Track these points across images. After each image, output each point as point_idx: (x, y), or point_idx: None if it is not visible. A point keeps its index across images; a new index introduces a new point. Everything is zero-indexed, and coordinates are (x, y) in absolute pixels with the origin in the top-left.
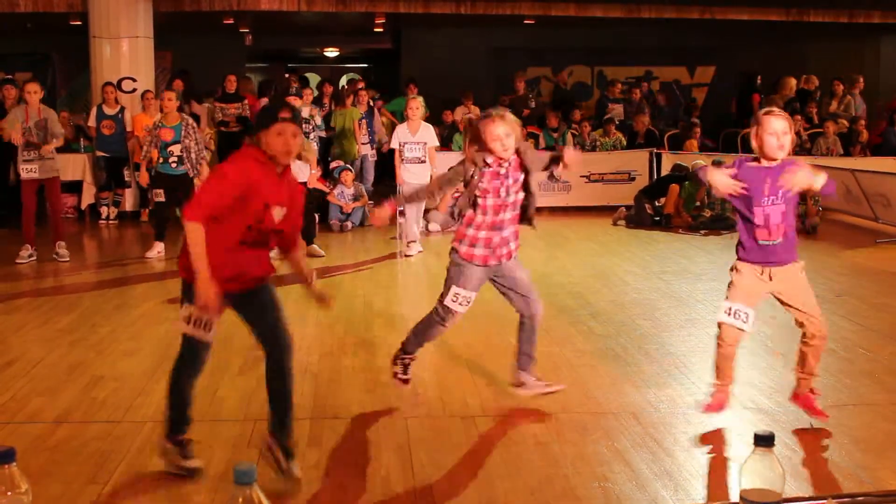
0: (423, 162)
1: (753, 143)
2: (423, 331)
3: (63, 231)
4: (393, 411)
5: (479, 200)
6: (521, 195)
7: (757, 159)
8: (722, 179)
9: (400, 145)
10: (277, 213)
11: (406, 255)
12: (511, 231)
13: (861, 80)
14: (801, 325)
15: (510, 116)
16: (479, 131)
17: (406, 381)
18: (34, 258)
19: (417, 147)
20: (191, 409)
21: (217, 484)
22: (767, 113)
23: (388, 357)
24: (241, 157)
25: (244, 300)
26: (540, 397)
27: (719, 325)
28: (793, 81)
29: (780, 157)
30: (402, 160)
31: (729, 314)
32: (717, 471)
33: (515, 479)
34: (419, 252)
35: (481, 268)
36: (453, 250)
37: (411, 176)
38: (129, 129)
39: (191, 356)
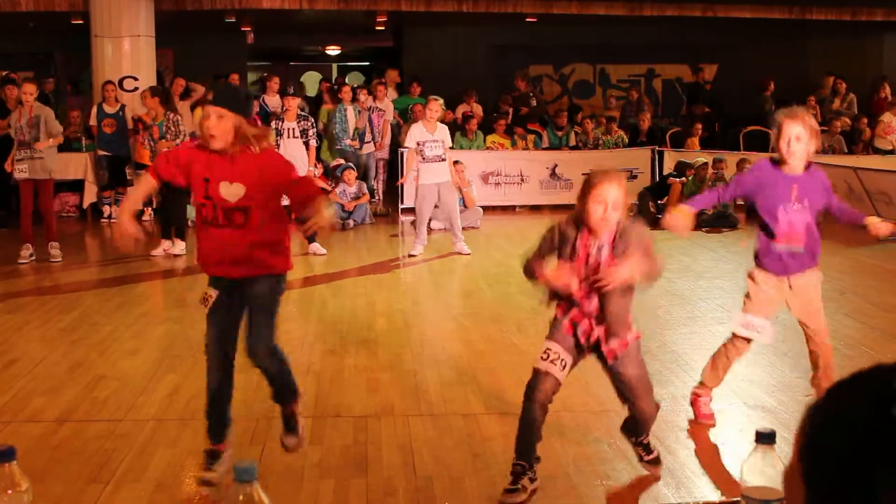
0: (444, 160)
1: (776, 146)
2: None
3: (55, 231)
4: (395, 410)
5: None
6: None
7: (778, 162)
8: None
9: (419, 144)
10: (226, 188)
11: (411, 255)
12: (616, 320)
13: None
14: (807, 339)
15: (624, 184)
16: (589, 184)
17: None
18: (35, 258)
19: (437, 145)
20: (224, 415)
21: (219, 481)
22: (787, 116)
23: (390, 355)
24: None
25: (237, 289)
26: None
27: (733, 334)
28: (829, 80)
29: (793, 163)
30: (423, 159)
31: (746, 327)
32: (719, 468)
33: None
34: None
35: (579, 344)
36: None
37: (432, 175)
38: (130, 126)
39: (205, 337)
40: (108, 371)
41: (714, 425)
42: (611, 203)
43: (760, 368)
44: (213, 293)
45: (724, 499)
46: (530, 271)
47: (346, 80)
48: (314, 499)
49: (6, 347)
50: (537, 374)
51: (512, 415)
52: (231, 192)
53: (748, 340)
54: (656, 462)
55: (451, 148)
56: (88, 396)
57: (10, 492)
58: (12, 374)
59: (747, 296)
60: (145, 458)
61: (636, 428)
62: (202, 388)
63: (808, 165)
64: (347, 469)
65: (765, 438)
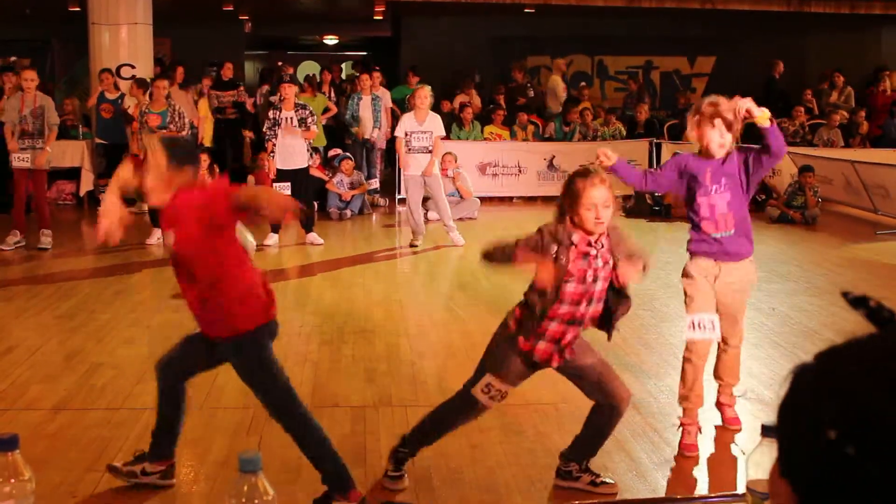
0: (431, 151)
1: (693, 134)
2: (437, 421)
3: (48, 219)
4: (392, 400)
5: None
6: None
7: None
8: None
9: (406, 134)
10: (169, 238)
11: (412, 245)
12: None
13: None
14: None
15: (609, 182)
16: (575, 189)
17: (397, 480)
18: (21, 244)
19: (424, 136)
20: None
21: (216, 472)
22: (711, 104)
23: (388, 345)
24: None
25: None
26: (541, 389)
27: (688, 341)
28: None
29: (720, 155)
30: (409, 150)
31: (694, 328)
32: (717, 461)
33: (516, 469)
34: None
35: (534, 364)
36: (504, 326)
37: (417, 166)
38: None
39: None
40: (106, 359)
41: (696, 455)
42: (601, 204)
43: (759, 362)
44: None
45: (728, 492)
46: (507, 255)
47: (342, 69)
48: (312, 488)
49: (3, 335)
50: (476, 408)
51: (509, 406)
52: (169, 239)
53: (705, 345)
54: (606, 483)
55: (449, 138)
56: (86, 384)
57: (13, 480)
58: (9, 362)
59: (686, 296)
60: (143, 446)
61: (596, 439)
62: (200, 378)
63: (728, 154)
64: (345, 459)
65: (771, 431)
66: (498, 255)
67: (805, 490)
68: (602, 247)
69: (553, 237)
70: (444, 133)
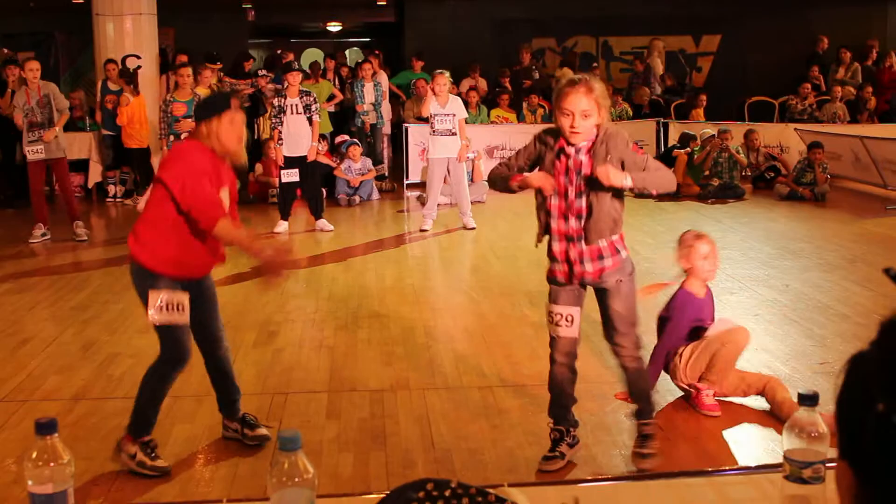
0: (455, 134)
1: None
2: (552, 384)
3: (78, 210)
4: (410, 383)
5: (546, 198)
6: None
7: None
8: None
9: (430, 117)
10: (225, 196)
11: (422, 230)
12: (604, 220)
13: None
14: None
15: (599, 87)
16: (558, 91)
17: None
18: (47, 237)
19: (447, 119)
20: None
21: (237, 457)
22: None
23: (403, 329)
24: (191, 150)
25: (193, 287)
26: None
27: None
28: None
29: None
30: (433, 132)
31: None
32: (736, 435)
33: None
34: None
35: (567, 286)
36: None
37: (443, 148)
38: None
39: (175, 347)
40: (122, 349)
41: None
42: (578, 113)
43: (775, 338)
44: (185, 296)
45: (767, 462)
46: (502, 178)
47: (346, 56)
48: (334, 472)
49: (18, 327)
50: (551, 340)
51: (528, 386)
52: (226, 197)
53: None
54: (648, 456)
55: None
56: (103, 374)
57: (52, 464)
58: (26, 354)
59: None
60: (163, 434)
61: (633, 395)
62: None
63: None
64: (365, 443)
65: (807, 400)
66: (499, 183)
67: (861, 467)
68: (581, 151)
69: (541, 141)
70: (465, 115)
